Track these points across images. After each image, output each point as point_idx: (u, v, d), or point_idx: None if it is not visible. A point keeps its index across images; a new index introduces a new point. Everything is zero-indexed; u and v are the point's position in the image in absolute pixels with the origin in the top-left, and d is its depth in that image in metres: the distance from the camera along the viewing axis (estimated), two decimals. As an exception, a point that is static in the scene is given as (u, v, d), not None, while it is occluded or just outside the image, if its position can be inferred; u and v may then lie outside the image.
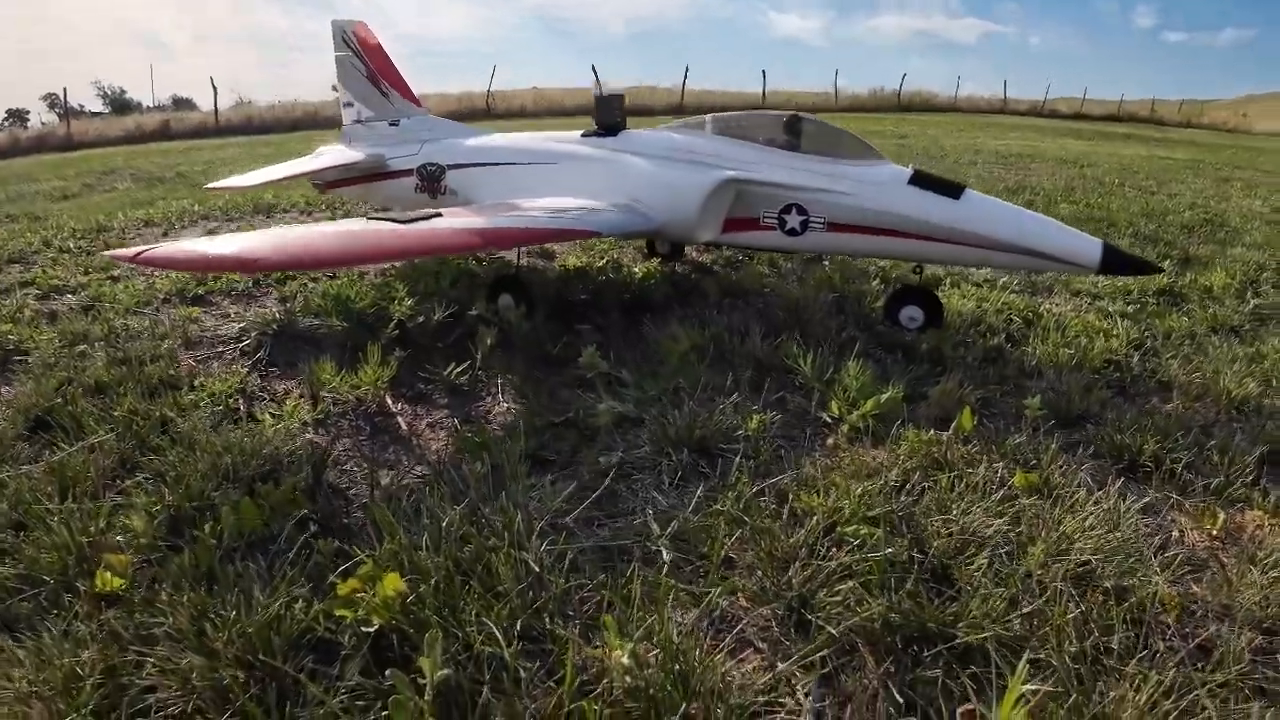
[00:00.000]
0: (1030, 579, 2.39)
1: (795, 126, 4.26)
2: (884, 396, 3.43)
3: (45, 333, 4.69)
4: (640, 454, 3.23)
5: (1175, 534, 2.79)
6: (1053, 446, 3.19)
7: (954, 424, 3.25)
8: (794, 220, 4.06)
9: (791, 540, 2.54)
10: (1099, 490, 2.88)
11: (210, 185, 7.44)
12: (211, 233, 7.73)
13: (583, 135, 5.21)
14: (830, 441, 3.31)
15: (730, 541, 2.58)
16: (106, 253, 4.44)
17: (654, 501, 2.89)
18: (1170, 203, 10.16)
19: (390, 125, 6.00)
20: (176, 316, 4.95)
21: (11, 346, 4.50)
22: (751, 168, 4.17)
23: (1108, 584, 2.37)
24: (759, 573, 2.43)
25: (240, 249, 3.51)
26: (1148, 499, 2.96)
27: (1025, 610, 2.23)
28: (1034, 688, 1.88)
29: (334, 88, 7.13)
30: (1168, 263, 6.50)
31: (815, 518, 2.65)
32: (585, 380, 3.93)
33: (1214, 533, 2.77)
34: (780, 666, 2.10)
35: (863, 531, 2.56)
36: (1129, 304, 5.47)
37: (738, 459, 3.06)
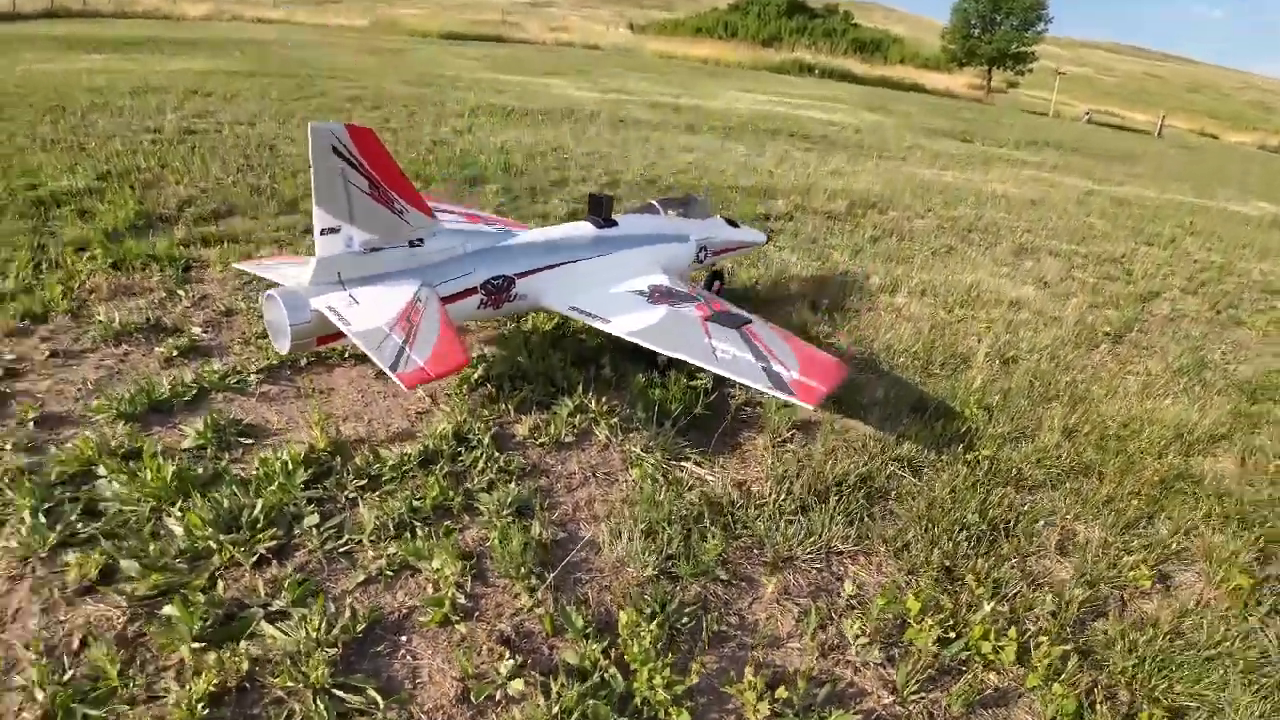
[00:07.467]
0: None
1: (689, 203, 7.08)
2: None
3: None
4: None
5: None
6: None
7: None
8: (706, 256, 7.13)
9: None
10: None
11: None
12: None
13: (596, 227, 6.14)
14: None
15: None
16: None
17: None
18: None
19: (414, 246, 5.07)
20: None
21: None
22: (693, 233, 6.97)
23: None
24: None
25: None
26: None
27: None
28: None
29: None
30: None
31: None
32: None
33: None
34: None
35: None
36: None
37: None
